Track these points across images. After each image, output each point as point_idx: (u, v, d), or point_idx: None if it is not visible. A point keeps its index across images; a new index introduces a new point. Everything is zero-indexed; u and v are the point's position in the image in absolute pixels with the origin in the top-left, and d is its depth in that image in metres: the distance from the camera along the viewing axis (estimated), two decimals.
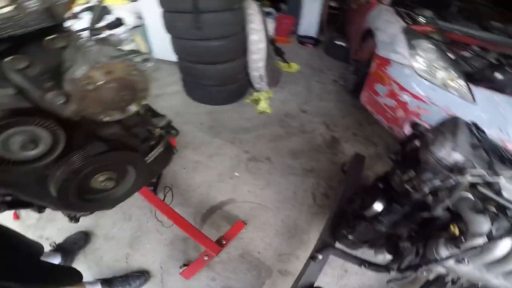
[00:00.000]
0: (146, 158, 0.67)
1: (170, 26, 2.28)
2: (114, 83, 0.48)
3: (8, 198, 0.53)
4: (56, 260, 1.37)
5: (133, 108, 0.53)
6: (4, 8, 0.31)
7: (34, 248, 1.07)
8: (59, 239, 1.50)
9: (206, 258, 1.43)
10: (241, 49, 2.52)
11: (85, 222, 1.61)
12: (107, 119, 0.50)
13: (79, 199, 0.56)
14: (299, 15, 4.34)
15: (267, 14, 3.77)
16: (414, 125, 1.10)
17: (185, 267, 1.43)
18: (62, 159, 0.47)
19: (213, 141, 2.27)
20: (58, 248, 1.42)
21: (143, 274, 1.40)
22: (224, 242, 1.50)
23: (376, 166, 2.07)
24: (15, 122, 0.37)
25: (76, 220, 0.73)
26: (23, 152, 0.39)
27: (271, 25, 3.91)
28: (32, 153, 0.41)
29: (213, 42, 2.23)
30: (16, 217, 1.65)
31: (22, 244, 1.03)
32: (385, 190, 0.92)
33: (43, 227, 1.61)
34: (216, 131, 2.36)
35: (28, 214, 1.66)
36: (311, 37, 4.38)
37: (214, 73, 2.43)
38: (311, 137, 2.38)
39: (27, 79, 0.39)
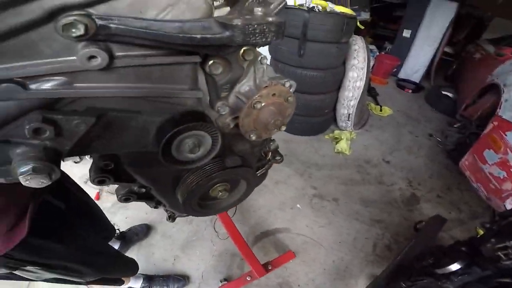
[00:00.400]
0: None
1: (274, 48, 2.45)
2: (275, 106, 0.54)
3: (143, 190, 0.66)
4: (115, 246, 1.50)
5: (275, 131, 0.59)
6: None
7: (108, 232, 1.24)
8: (124, 227, 1.72)
9: (248, 279, 1.45)
10: (337, 83, 2.53)
11: (152, 215, 1.84)
12: (253, 138, 0.57)
13: (197, 203, 0.66)
14: (405, 56, 4.14)
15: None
16: None
17: (225, 282, 1.47)
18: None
19: (283, 169, 2.32)
20: (120, 236, 1.60)
21: (183, 279, 1.48)
22: (270, 268, 1.50)
23: (454, 230, 1.97)
24: (197, 125, 0.44)
25: (173, 219, 0.84)
26: (188, 154, 0.47)
27: (370, 63, 3.85)
28: (192, 156, 0.48)
29: (311, 72, 2.29)
30: (98, 197, 1.93)
31: (103, 224, 1.19)
32: (467, 254, 0.99)
33: (115, 213, 1.86)
34: (288, 160, 2.41)
35: (106, 198, 1.95)
36: (412, 82, 4.09)
37: (302, 103, 2.48)
38: (388, 190, 2.25)
39: (214, 85, 0.47)
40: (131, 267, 1.19)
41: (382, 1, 4.32)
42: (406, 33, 4.06)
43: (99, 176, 0.51)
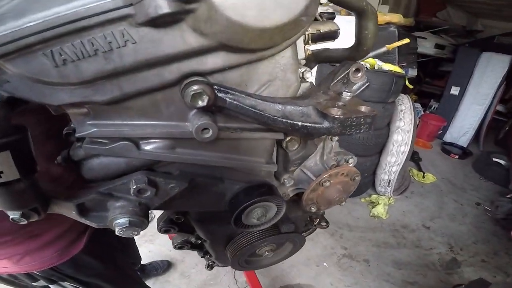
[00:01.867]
0: None
1: None
2: (341, 185, 0.56)
3: (198, 242, 0.68)
4: None
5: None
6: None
7: (136, 259, 1.29)
8: (145, 260, 1.72)
9: None
10: (379, 146, 2.44)
11: (175, 253, 1.84)
12: (313, 210, 0.58)
13: (243, 259, 0.66)
14: (452, 117, 3.94)
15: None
16: None
17: None
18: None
19: None
20: (140, 269, 1.62)
21: None
22: None
23: None
24: (270, 198, 0.46)
25: (211, 268, 0.84)
26: (254, 220, 0.48)
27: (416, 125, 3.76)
28: (257, 222, 0.49)
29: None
30: None
31: (133, 251, 1.25)
32: None
33: (140, 245, 1.85)
34: None
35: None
36: (459, 147, 3.88)
37: None
38: (425, 254, 2.11)
39: (286, 160, 0.49)
40: None
41: (428, 56, 4.24)
42: (454, 91, 3.88)
43: (168, 226, 0.54)
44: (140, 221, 0.37)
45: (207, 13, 0.27)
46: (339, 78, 0.51)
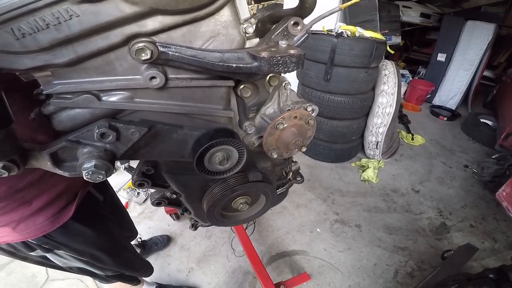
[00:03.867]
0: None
1: (301, 73, 2.54)
2: (296, 127, 0.62)
3: (174, 197, 0.75)
4: None
5: (296, 151, 0.66)
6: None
7: (132, 233, 1.36)
8: (145, 237, 1.84)
9: None
10: (365, 109, 2.51)
11: (174, 228, 1.95)
12: (275, 156, 0.64)
13: (219, 213, 0.73)
14: (439, 82, 4.04)
15: (401, 76, 3.72)
16: None
17: None
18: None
19: (305, 193, 2.34)
20: (140, 245, 1.73)
21: None
22: None
23: (487, 260, 1.91)
24: (228, 141, 0.52)
25: (195, 228, 0.91)
26: (217, 165, 0.55)
27: (402, 88, 3.81)
28: (220, 167, 0.56)
29: (338, 97, 2.32)
30: (126, 206, 2.12)
31: (128, 225, 1.31)
32: (494, 280, 1.03)
33: (139, 222, 2.01)
34: (311, 185, 2.43)
35: (134, 208, 2.13)
36: (448, 109, 3.95)
37: (328, 129, 2.50)
38: (415, 219, 2.20)
39: (243, 107, 0.56)
40: (147, 269, 1.28)
41: (414, 25, 4.28)
42: (441, 57, 3.98)
43: (140, 179, 0.61)
44: (105, 165, 0.43)
45: None
46: (279, 30, 0.56)
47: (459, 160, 2.95)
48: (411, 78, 4.28)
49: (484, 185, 2.54)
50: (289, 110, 0.62)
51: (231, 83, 0.51)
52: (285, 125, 0.61)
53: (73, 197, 0.79)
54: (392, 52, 2.51)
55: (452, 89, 3.97)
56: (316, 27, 2.93)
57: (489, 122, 3.33)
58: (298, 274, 1.64)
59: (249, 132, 0.61)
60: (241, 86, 0.54)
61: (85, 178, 0.43)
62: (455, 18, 3.83)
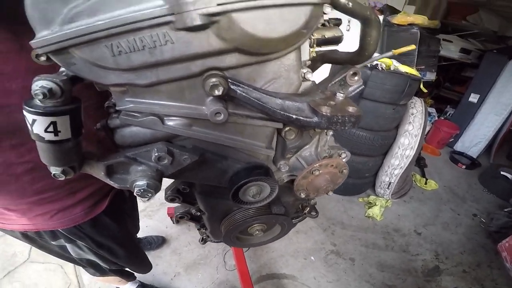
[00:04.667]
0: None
1: None
2: (330, 175, 0.66)
3: (197, 214, 0.80)
4: None
5: (322, 194, 0.71)
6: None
7: (137, 229, 1.41)
8: (141, 235, 1.88)
9: None
10: (384, 148, 2.51)
11: (171, 230, 2.02)
12: (303, 195, 0.69)
13: (235, 235, 0.78)
14: (466, 125, 3.98)
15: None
16: None
17: None
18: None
19: (308, 220, 2.36)
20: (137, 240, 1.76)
21: None
22: None
23: None
24: (265, 179, 0.56)
25: (204, 242, 0.96)
26: (249, 197, 0.59)
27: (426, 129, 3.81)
28: (252, 199, 0.60)
29: (359, 131, 2.33)
30: None
31: (136, 220, 1.37)
32: None
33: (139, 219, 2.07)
34: None
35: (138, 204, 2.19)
36: (469, 156, 3.95)
37: None
38: (410, 259, 2.26)
39: (283, 147, 0.60)
40: (147, 266, 1.33)
41: (451, 60, 4.21)
42: (473, 98, 3.88)
43: (174, 195, 0.66)
44: (156, 185, 0.47)
45: (227, 24, 0.37)
46: (337, 80, 0.61)
47: (469, 209, 2.98)
48: (436, 118, 4.27)
49: (488, 234, 2.60)
50: (326, 157, 0.67)
51: (280, 125, 0.56)
52: (321, 172, 0.65)
53: (108, 191, 0.85)
54: (425, 91, 2.53)
55: (478, 134, 3.91)
56: None
57: (509, 176, 3.33)
58: None
59: (282, 170, 0.65)
60: (287, 129, 0.58)
61: (134, 194, 0.47)
62: (497, 56, 3.71)
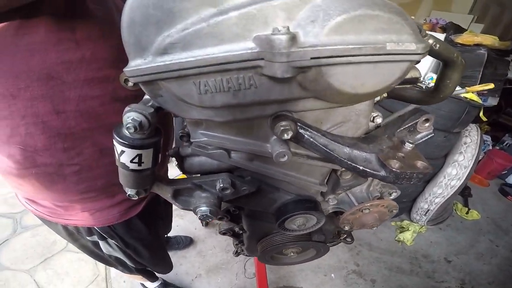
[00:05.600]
0: None
1: None
2: (378, 214, 0.66)
3: (240, 232, 0.82)
4: None
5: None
6: None
7: (168, 230, 1.47)
8: (172, 233, 1.93)
9: None
10: (428, 176, 2.36)
11: (199, 232, 2.10)
12: (346, 228, 0.69)
13: (271, 255, 0.80)
14: None
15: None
16: None
17: None
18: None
19: None
20: (165, 239, 1.85)
21: None
22: None
23: None
24: (313, 212, 0.57)
25: (238, 255, 0.98)
26: (294, 226, 0.60)
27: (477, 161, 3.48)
28: (296, 228, 0.61)
29: None
30: None
31: (169, 223, 1.41)
32: None
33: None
34: None
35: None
36: None
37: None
38: (434, 286, 2.14)
39: (336, 183, 0.59)
40: (169, 266, 1.39)
41: None
42: None
43: (224, 215, 0.68)
44: (217, 212, 0.50)
45: (314, 76, 0.35)
46: (406, 125, 0.57)
47: (510, 241, 2.72)
48: (491, 147, 3.88)
49: None
50: (377, 196, 0.64)
51: (338, 167, 0.54)
52: (370, 210, 0.63)
53: (145, 196, 0.89)
54: (485, 119, 2.30)
55: None
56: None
57: None
58: None
59: (330, 203, 0.64)
60: (343, 169, 0.57)
61: (198, 218, 0.50)
62: None
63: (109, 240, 0.95)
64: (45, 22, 0.53)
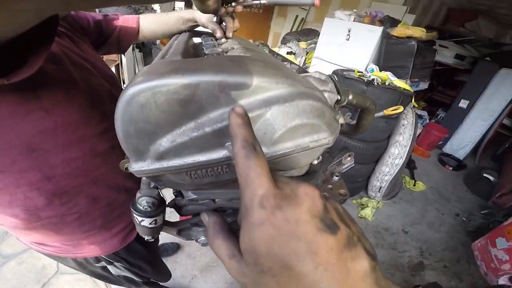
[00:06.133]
0: None
1: None
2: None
3: None
4: None
5: None
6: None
7: (157, 241, 1.59)
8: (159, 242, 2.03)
9: None
10: (376, 156, 2.72)
11: None
12: None
13: None
14: (455, 129, 4.20)
15: (418, 117, 3.81)
16: None
17: None
18: None
19: None
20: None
21: None
22: None
23: None
24: None
25: None
26: None
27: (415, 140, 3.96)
28: None
29: (354, 142, 2.52)
30: None
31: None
32: None
33: None
34: None
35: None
36: (456, 158, 4.17)
37: None
38: (398, 256, 2.50)
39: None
40: (167, 273, 1.54)
41: (446, 65, 4.34)
42: (463, 103, 4.06)
43: None
44: None
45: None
46: (335, 162, 0.80)
47: (453, 209, 3.23)
48: (428, 121, 4.44)
49: (468, 233, 2.87)
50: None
51: None
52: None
53: None
54: (416, 106, 2.70)
55: (465, 138, 4.13)
56: (348, 65, 3.10)
57: (491, 178, 3.56)
58: None
59: None
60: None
61: (200, 245, 0.68)
62: (489, 64, 3.84)
63: (116, 264, 1.07)
64: (10, 94, 0.54)
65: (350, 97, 0.60)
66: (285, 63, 0.93)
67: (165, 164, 0.47)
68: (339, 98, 0.58)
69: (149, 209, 0.53)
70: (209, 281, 1.98)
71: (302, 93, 0.46)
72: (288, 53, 3.95)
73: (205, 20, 0.82)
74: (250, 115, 0.42)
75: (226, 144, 0.47)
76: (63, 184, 0.70)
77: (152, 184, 0.58)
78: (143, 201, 0.53)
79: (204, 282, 1.98)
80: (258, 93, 0.44)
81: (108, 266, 1.08)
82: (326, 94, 0.57)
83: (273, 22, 5.99)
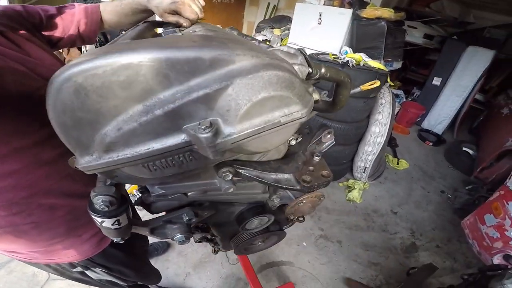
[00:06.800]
0: None
1: None
2: (311, 203, 0.82)
3: (212, 237, 0.95)
4: None
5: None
6: None
7: (146, 243, 1.52)
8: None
9: None
10: (358, 136, 2.74)
11: None
12: (291, 218, 0.85)
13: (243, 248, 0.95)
14: (431, 105, 4.31)
15: (395, 96, 3.90)
16: (508, 258, 1.38)
17: None
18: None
19: None
20: (146, 254, 1.83)
21: None
22: None
23: (444, 277, 2.21)
24: (262, 215, 0.73)
25: (216, 252, 1.12)
26: (253, 226, 0.75)
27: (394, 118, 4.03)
28: (254, 227, 0.77)
29: (334, 124, 2.53)
30: None
31: (145, 237, 1.46)
32: None
33: None
34: None
35: (145, 213, 2.32)
36: (435, 134, 4.29)
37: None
38: (389, 238, 2.51)
39: (274, 189, 0.76)
40: (157, 277, 1.49)
41: (416, 45, 4.47)
42: (436, 81, 4.19)
43: (195, 229, 0.81)
44: (190, 236, 0.63)
45: (237, 148, 0.44)
46: (314, 141, 0.76)
47: (437, 186, 3.29)
48: (404, 99, 4.55)
49: (455, 210, 2.90)
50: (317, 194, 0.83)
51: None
52: (305, 202, 0.82)
53: None
54: (392, 84, 2.72)
55: (442, 114, 4.26)
56: (322, 49, 3.10)
57: (471, 151, 3.64)
58: (285, 283, 1.93)
59: (275, 201, 0.82)
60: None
61: (177, 243, 0.62)
62: (457, 42, 3.99)
63: (93, 269, 1.01)
64: None
65: (323, 70, 0.55)
66: (254, 41, 0.89)
67: (115, 156, 0.41)
68: (311, 71, 0.54)
69: (106, 208, 0.47)
70: (203, 278, 1.93)
71: (267, 64, 0.41)
72: (263, 40, 3.91)
73: (161, 12, 0.76)
74: (208, 91, 0.38)
75: (184, 126, 0.41)
76: (10, 196, 0.65)
77: (109, 181, 0.51)
78: (98, 200, 0.47)
79: (198, 278, 1.93)
80: (217, 67, 0.39)
81: (86, 271, 1.02)
82: (296, 67, 0.52)
83: (246, 12, 5.98)
